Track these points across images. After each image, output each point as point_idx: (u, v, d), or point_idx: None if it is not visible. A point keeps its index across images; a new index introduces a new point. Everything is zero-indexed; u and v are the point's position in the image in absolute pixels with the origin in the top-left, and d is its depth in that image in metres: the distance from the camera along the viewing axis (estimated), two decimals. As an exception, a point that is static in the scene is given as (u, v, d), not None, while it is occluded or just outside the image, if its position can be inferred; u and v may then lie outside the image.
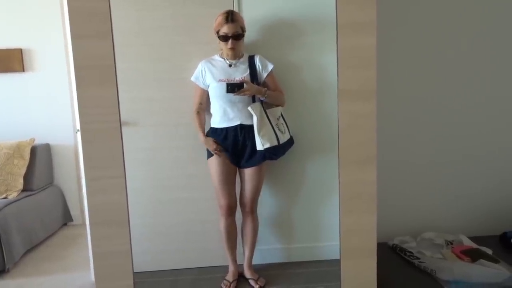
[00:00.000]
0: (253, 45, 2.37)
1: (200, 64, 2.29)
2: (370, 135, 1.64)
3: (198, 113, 2.33)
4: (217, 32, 2.20)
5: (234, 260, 2.41)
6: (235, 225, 2.38)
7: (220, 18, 2.17)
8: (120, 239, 1.61)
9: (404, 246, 2.37)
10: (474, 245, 2.32)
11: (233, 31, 2.17)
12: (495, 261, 2.13)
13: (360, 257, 1.71)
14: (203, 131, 2.31)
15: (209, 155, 2.32)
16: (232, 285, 2.35)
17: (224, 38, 2.19)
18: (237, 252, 2.43)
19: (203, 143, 2.31)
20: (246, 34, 2.26)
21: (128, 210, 1.62)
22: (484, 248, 2.28)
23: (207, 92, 2.30)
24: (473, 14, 2.45)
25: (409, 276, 2.13)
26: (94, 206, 1.59)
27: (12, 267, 2.80)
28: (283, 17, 2.40)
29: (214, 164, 2.30)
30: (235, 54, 2.26)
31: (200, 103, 2.32)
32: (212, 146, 2.28)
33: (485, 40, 2.48)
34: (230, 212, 2.32)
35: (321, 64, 2.41)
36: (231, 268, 2.40)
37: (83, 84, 1.51)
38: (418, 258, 2.21)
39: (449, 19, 2.45)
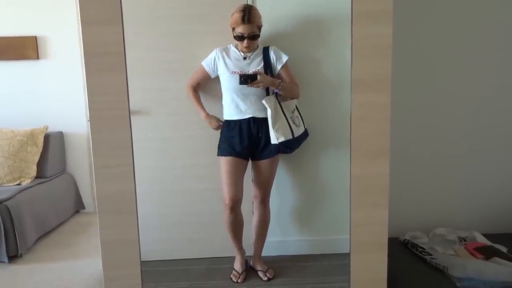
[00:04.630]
0: (270, 37, 2.34)
1: (214, 51, 2.28)
2: (383, 127, 1.60)
3: (194, 90, 2.35)
4: (233, 29, 2.18)
5: (241, 249, 2.41)
6: (240, 217, 2.36)
7: (236, 17, 2.13)
8: (128, 228, 1.61)
9: (416, 241, 2.34)
10: (488, 242, 2.27)
11: (249, 32, 2.14)
12: (510, 259, 2.08)
13: (371, 251, 1.68)
14: (203, 108, 2.34)
15: (220, 152, 2.31)
16: (241, 276, 2.35)
17: (240, 38, 2.17)
18: (246, 244, 2.43)
19: (204, 119, 2.33)
20: (263, 26, 2.22)
21: (136, 198, 1.61)
22: (498, 246, 2.23)
23: (209, 76, 2.31)
24: (491, 4, 2.38)
25: (420, 272, 2.10)
26: (102, 194, 1.58)
27: (25, 252, 2.84)
28: (300, 10, 2.38)
29: (224, 159, 2.29)
30: (250, 49, 2.23)
31: (198, 83, 2.35)
32: (214, 124, 2.33)
33: (504, 31, 2.41)
34: (233, 205, 2.30)
35: (338, 57, 2.38)
36: (238, 258, 2.41)
37: (93, 71, 1.50)
38: (430, 254, 2.17)
39: (466, 8, 2.38)
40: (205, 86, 2.38)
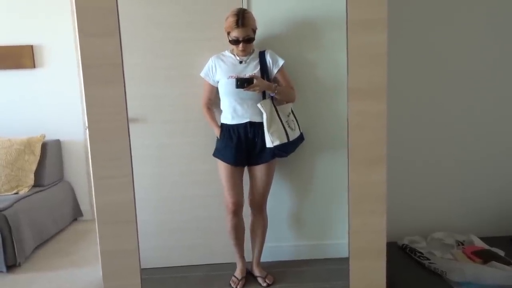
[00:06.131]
0: (265, 40, 2.35)
1: (210, 60, 2.28)
2: (380, 135, 1.61)
3: (208, 108, 2.33)
4: (228, 33, 2.18)
5: (242, 257, 2.41)
6: (242, 223, 2.38)
7: (231, 21, 2.13)
8: (127, 238, 1.61)
9: (414, 246, 2.34)
10: (486, 246, 2.27)
11: (243, 35, 2.15)
12: (508, 263, 2.08)
13: (369, 258, 1.69)
14: (218, 126, 2.31)
15: (218, 155, 2.31)
16: (240, 282, 2.36)
17: (235, 42, 2.17)
18: (245, 249, 2.43)
19: (217, 136, 2.31)
20: (259, 29, 2.23)
21: (135, 208, 1.62)
22: (496, 249, 2.23)
23: (216, 88, 2.29)
24: (485, 10, 2.39)
25: (419, 277, 2.10)
26: (102, 205, 1.59)
27: (23, 261, 2.82)
28: (295, 13, 2.38)
29: (222, 164, 2.29)
30: (246, 53, 2.24)
31: (210, 99, 2.33)
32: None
33: (498, 37, 2.42)
34: (236, 210, 2.32)
35: (335, 62, 2.39)
36: (239, 265, 2.41)
37: (91, 83, 1.50)
38: (428, 259, 2.18)
39: (460, 16, 2.39)
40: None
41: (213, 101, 2.34)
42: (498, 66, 2.44)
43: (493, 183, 2.54)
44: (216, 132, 2.31)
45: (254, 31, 2.19)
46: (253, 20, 2.18)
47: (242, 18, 2.12)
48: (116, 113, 1.52)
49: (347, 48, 1.57)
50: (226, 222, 2.35)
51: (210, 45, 2.33)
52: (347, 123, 1.63)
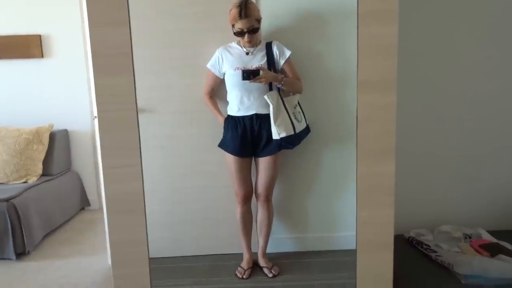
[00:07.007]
0: (273, 32, 2.33)
1: (217, 51, 2.27)
2: (389, 127, 1.60)
3: (210, 97, 2.34)
4: (232, 26, 2.17)
5: (249, 247, 2.43)
6: (251, 212, 2.41)
7: (234, 12, 2.12)
8: (136, 227, 1.62)
9: (421, 239, 2.34)
10: (493, 239, 2.26)
11: (247, 26, 2.13)
12: (515, 256, 2.08)
13: (377, 250, 1.68)
14: (221, 114, 2.32)
15: (225, 148, 2.31)
16: (246, 272, 2.37)
17: (240, 34, 2.16)
18: (252, 240, 2.44)
19: (222, 123, 2.32)
20: (266, 21, 2.22)
21: (144, 198, 1.62)
22: (503, 243, 2.21)
23: (220, 79, 2.29)
24: (497, 2, 2.36)
25: (425, 270, 2.09)
26: (112, 194, 1.59)
27: (32, 249, 2.86)
28: (303, 4, 2.37)
29: (229, 155, 2.31)
30: (253, 44, 2.23)
31: (212, 89, 2.33)
32: None
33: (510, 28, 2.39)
34: (246, 199, 2.35)
35: (342, 53, 2.37)
36: (245, 256, 2.42)
37: (100, 72, 1.50)
38: (435, 252, 2.17)
39: (471, 6, 2.36)
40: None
41: (215, 91, 2.34)
42: (510, 58, 2.41)
43: (501, 177, 2.52)
44: (220, 120, 2.31)
45: (258, 21, 2.17)
46: (257, 10, 2.16)
47: (245, 9, 2.10)
48: (125, 102, 1.52)
49: (357, 39, 1.56)
50: (236, 212, 2.39)
51: (218, 35, 2.32)
52: (356, 115, 1.62)
